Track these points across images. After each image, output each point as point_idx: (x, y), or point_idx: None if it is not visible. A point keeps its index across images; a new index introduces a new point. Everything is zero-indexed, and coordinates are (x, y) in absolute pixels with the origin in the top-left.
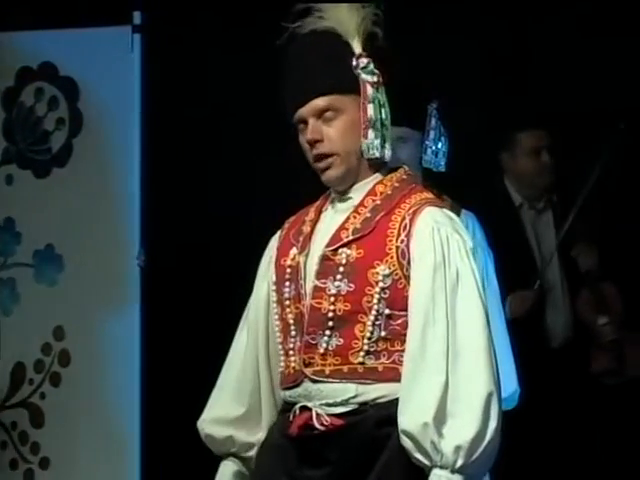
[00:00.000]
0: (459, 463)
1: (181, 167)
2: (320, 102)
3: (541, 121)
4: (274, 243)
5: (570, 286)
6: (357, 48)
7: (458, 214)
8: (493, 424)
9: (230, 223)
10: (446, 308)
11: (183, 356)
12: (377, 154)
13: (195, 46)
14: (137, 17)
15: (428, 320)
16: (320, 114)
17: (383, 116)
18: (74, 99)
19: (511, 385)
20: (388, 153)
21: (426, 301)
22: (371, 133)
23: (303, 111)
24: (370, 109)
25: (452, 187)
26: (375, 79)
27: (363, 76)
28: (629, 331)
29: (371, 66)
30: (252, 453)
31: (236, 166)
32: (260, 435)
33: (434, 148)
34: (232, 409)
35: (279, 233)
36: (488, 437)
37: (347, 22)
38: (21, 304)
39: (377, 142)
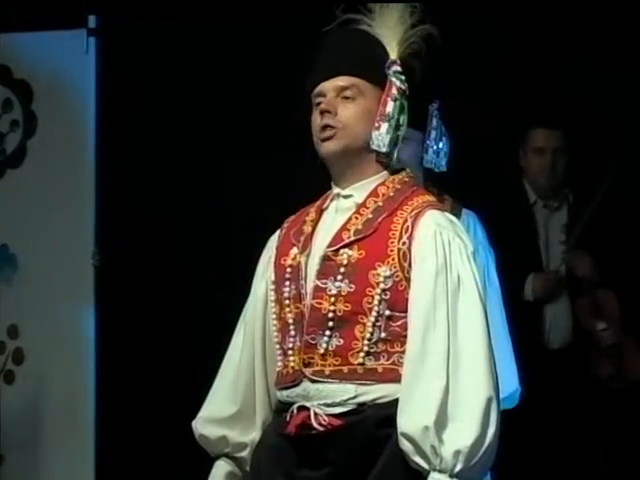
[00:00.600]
0: (458, 468)
1: (136, 168)
2: (345, 79)
3: (557, 121)
4: (273, 243)
5: (571, 289)
6: (393, 54)
7: (459, 213)
8: (492, 429)
9: (185, 224)
10: (447, 312)
11: (137, 355)
12: (383, 149)
13: (150, 48)
14: (92, 21)
15: (429, 324)
16: (340, 91)
17: (401, 120)
18: (28, 101)
19: (512, 384)
20: (394, 154)
21: (427, 305)
22: (384, 127)
23: (325, 84)
24: (390, 106)
25: (454, 186)
26: (403, 86)
27: (392, 78)
28: (628, 336)
29: (402, 76)
30: (245, 454)
31: (191, 167)
32: (253, 435)
33: (435, 148)
34: (226, 408)
35: (278, 232)
36: (487, 442)
37: (393, 28)
38: None
39: (388, 138)
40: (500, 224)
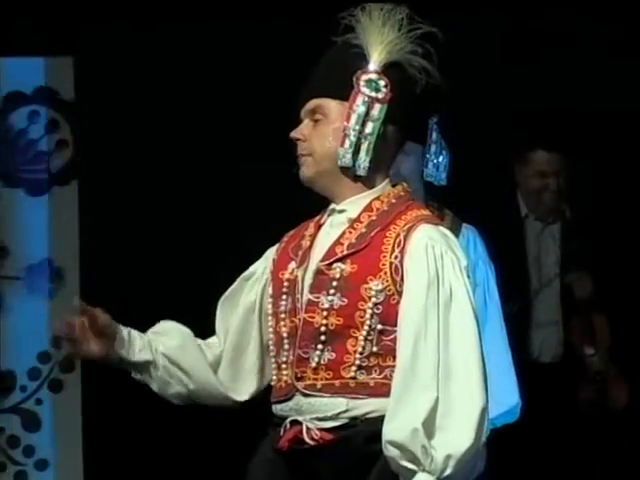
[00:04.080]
0: (447, 472)
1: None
2: (312, 102)
3: (557, 143)
4: (270, 254)
5: (565, 306)
6: (373, 64)
7: (459, 228)
8: (483, 439)
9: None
10: (438, 324)
11: None
12: (347, 163)
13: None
14: None
15: (420, 336)
16: (312, 115)
17: (367, 130)
18: (75, 121)
19: (512, 399)
20: (362, 166)
21: (418, 317)
22: (347, 141)
23: (302, 110)
24: (353, 119)
25: (455, 201)
26: (376, 95)
27: (360, 88)
28: (614, 364)
29: (380, 82)
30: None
31: (165, 192)
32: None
33: (435, 162)
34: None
35: (277, 246)
36: (479, 451)
37: (374, 37)
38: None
39: (350, 151)
40: (490, 236)
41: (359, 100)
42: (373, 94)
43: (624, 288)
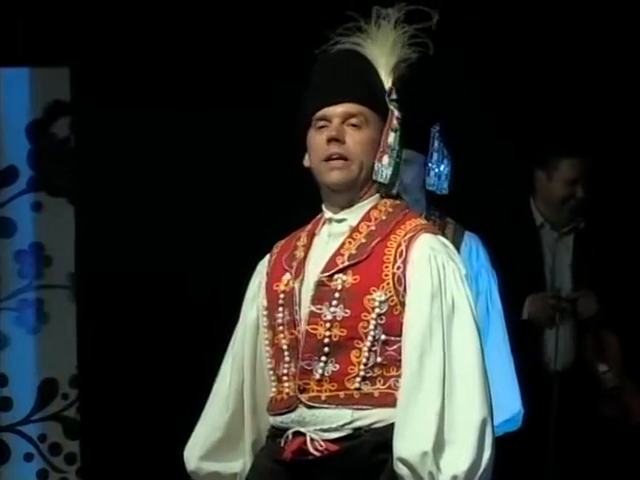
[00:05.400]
0: None
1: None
2: (354, 107)
3: (586, 151)
4: (262, 268)
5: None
6: (387, 80)
7: (462, 236)
8: (487, 453)
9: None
10: (442, 336)
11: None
12: (386, 180)
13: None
14: None
15: (425, 348)
16: (347, 118)
17: (398, 147)
18: None
19: (515, 406)
20: (394, 184)
21: (423, 329)
22: (386, 159)
23: (332, 110)
24: (391, 137)
25: (457, 209)
26: (399, 114)
27: (391, 106)
28: (630, 379)
29: (398, 102)
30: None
31: (163, 216)
32: (242, 461)
33: (437, 170)
34: (214, 436)
35: (268, 257)
36: (483, 466)
37: (388, 53)
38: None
39: (390, 170)
40: (505, 245)
41: (395, 120)
42: (399, 114)
43: (632, 304)
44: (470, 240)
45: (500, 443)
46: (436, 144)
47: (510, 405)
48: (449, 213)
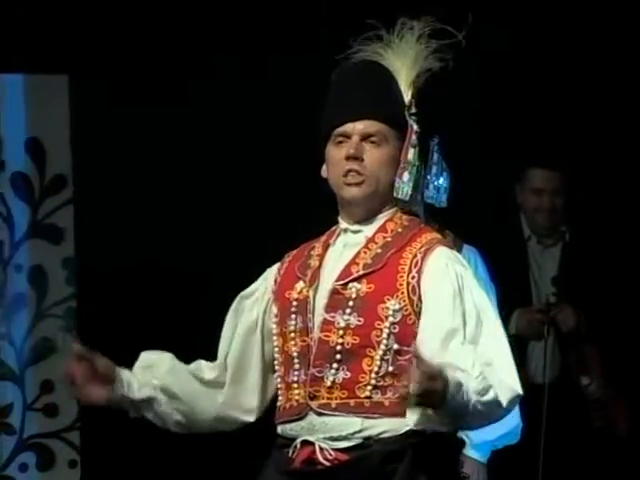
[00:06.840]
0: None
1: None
2: (373, 125)
3: (556, 162)
4: (271, 275)
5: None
6: (407, 95)
7: (460, 249)
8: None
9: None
10: (470, 329)
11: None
12: (406, 197)
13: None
14: None
15: (450, 333)
16: (367, 136)
17: (417, 163)
18: None
19: (513, 420)
20: (415, 200)
21: (448, 324)
22: (406, 175)
23: (352, 126)
24: (411, 153)
25: (455, 222)
26: (417, 129)
27: (411, 122)
28: (612, 391)
29: (417, 116)
30: None
31: (163, 216)
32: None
33: (436, 183)
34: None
35: (278, 265)
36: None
37: (411, 66)
38: None
39: (409, 186)
40: (494, 258)
41: (414, 134)
42: (417, 128)
43: (613, 318)
44: (469, 253)
45: (491, 455)
46: (435, 157)
47: (509, 418)
48: (448, 226)
